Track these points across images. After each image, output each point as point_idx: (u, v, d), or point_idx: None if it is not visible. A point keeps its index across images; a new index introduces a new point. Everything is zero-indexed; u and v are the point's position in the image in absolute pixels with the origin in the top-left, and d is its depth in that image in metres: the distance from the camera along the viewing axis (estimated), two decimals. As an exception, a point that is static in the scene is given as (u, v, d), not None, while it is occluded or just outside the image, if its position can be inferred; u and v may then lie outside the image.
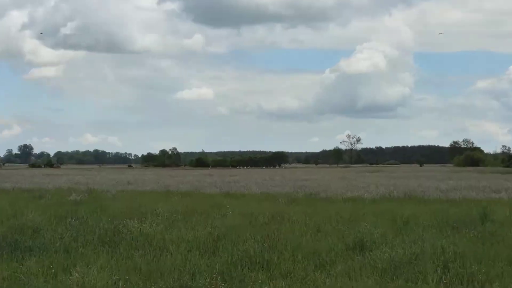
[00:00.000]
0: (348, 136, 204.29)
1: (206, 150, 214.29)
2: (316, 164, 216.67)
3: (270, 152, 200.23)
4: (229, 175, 59.86)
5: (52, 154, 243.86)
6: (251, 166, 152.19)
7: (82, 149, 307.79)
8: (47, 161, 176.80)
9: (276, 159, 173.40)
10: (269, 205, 20.04)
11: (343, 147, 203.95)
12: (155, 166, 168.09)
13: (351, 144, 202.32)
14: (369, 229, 13.10)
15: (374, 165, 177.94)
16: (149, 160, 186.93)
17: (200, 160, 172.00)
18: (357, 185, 32.64)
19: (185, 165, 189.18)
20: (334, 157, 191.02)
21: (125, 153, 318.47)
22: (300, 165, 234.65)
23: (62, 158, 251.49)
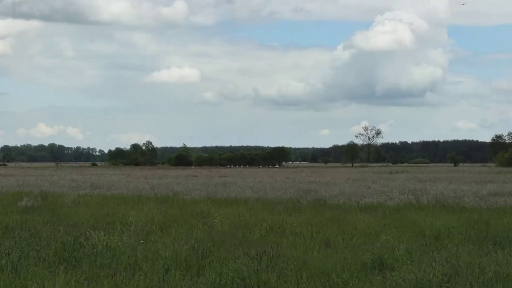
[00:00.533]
0: (366, 129, 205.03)
1: (189, 145, 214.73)
2: (325, 163, 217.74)
3: (268, 147, 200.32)
4: (217, 176, 59.87)
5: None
6: (244, 165, 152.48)
7: (34, 143, 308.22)
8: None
9: (276, 157, 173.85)
10: (267, 214, 20.10)
11: (359, 141, 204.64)
12: (125, 164, 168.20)
13: (369, 138, 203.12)
14: (391, 244, 13.16)
15: (398, 165, 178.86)
16: (117, 157, 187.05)
17: (182, 157, 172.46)
18: (376, 189, 32.73)
19: (162, 163, 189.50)
20: (347, 154, 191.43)
21: (88, 148, 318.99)
22: (306, 163, 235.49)
23: (9, 154, 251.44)
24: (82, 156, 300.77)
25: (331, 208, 22.37)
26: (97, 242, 13.15)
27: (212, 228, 16.27)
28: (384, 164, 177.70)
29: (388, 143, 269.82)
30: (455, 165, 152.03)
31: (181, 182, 41.89)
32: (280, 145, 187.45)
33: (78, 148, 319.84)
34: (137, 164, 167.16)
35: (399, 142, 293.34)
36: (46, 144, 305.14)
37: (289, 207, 22.19)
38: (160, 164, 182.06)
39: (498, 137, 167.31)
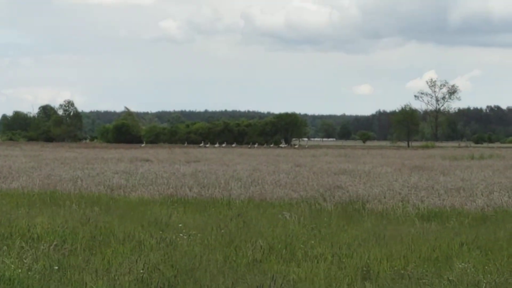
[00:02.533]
0: (432, 84, 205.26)
1: (137, 109, 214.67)
2: (364, 141, 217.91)
3: (269, 115, 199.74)
4: (184, 160, 59.80)
5: None
6: (230, 143, 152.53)
7: None
8: None
9: (282, 130, 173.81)
10: (266, 224, 20.16)
11: (420, 105, 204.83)
12: (30, 139, 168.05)
13: (437, 100, 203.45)
14: (472, 275, 13.19)
15: (485, 145, 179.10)
16: (16, 126, 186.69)
17: (124, 130, 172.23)
18: (448, 185, 32.79)
19: (92, 139, 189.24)
20: (401, 126, 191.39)
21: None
22: (332, 141, 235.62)
23: None
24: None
25: (373, 216, 22.44)
26: (-18, 268, 13.14)
27: (175, 247, 16.31)
28: (462, 144, 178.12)
29: (469, 108, 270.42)
30: None
31: (124, 171, 41.86)
32: (289, 110, 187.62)
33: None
34: (49, 139, 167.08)
35: (488, 107, 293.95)
36: None
37: (303, 214, 22.23)
38: (87, 140, 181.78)
39: None
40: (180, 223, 19.42)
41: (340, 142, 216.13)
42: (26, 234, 17.46)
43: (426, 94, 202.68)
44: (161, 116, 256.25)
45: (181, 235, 17.42)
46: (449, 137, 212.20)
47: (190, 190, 29.64)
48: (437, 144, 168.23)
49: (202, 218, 21.44)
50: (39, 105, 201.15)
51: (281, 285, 12.04)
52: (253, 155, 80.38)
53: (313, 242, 16.98)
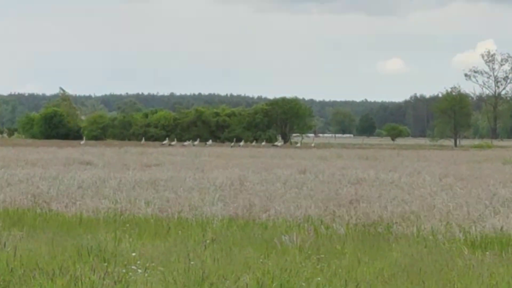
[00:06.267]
0: (489, 58, 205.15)
1: (76, 93, 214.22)
2: (393, 139, 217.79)
3: (260, 99, 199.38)
4: (140, 163, 59.80)
5: None
6: (204, 140, 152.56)
7: None
8: None
9: (278, 121, 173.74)
10: (255, 253, 20.24)
11: (473, 89, 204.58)
12: None
13: (496, 81, 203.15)
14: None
15: None
16: None
17: (57, 120, 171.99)
18: (509, 200, 32.86)
19: (11, 133, 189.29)
20: (445, 118, 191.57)
21: None
22: (348, 137, 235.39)
23: None
24: None
25: (403, 243, 22.55)
26: None
27: (125, 284, 16.42)
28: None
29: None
30: None
31: (56, 177, 41.87)
32: (288, 94, 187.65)
33: None
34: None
35: None
36: None
37: (306, 239, 22.31)
38: (5, 135, 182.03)
39: None
40: (133, 252, 19.45)
41: (359, 140, 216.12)
42: None
43: (482, 73, 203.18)
44: (109, 101, 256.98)
45: (134, 267, 17.45)
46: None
47: (147, 206, 29.68)
48: (496, 142, 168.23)
49: (164, 245, 21.44)
50: None
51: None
52: (237, 156, 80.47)
53: (320, 278, 17.04)
